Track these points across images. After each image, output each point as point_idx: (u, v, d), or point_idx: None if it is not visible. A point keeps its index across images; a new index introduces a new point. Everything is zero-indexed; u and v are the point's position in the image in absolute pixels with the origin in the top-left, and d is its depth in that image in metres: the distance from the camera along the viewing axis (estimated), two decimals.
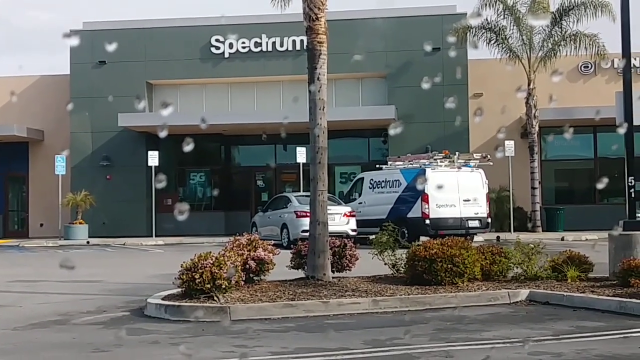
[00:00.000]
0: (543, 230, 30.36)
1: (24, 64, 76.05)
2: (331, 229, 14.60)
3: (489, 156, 25.18)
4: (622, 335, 9.39)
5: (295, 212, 24.96)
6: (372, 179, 26.93)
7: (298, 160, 30.23)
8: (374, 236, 14.79)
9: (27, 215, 36.01)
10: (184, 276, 11.57)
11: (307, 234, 14.10)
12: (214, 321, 10.70)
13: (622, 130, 13.69)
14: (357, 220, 25.28)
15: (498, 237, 26.74)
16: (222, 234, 29.92)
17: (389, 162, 27.07)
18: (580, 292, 11.98)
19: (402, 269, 13.74)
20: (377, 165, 27.84)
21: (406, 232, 23.51)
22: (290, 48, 33.08)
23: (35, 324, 10.81)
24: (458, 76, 31.67)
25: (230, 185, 35.56)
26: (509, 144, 29.34)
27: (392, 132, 28.49)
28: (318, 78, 13.69)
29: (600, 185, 25.54)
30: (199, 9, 61.14)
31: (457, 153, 25.30)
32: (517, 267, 13.61)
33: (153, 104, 33.52)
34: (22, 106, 33.92)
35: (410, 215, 24.49)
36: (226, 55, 33.51)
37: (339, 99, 32.76)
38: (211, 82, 34.28)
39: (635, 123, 13.10)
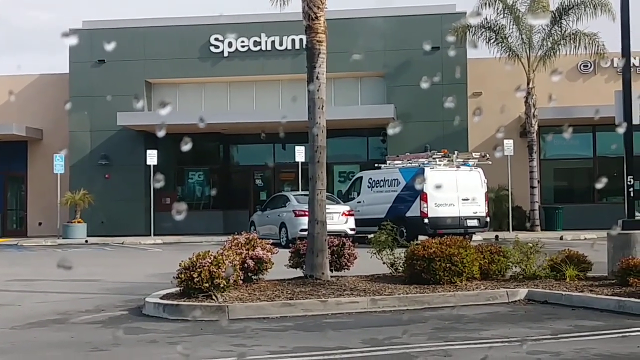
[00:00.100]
0: (542, 230, 30.32)
1: (23, 64, 75.97)
2: (330, 228, 14.61)
3: (487, 155, 25.16)
4: (620, 335, 9.39)
5: (293, 211, 24.93)
6: (370, 178, 26.92)
7: (297, 159, 30.23)
8: (372, 235, 14.79)
9: (25, 214, 35.98)
10: (182, 275, 11.57)
11: (306, 233, 14.08)
12: (212, 320, 10.69)
13: (621, 130, 13.68)
14: (355, 219, 25.23)
15: (497, 236, 26.77)
16: (220, 233, 29.86)
17: (388, 161, 27.07)
18: (579, 291, 11.98)
19: (401, 268, 13.74)
20: (376, 165, 27.86)
21: (405, 231, 23.44)
22: (289, 47, 33.06)
23: (34, 323, 10.81)
24: (457, 75, 31.65)
25: (229, 184, 35.55)
26: (508, 143, 29.29)
27: (391, 131, 28.42)
28: (317, 77, 13.67)
29: (599, 185, 25.47)
30: (198, 9, 61.12)
31: (456, 152, 25.31)
32: (515, 267, 13.61)
33: (152, 103, 33.47)
34: (21, 105, 33.91)
35: (409, 214, 24.48)
36: (225, 54, 33.48)
37: (338, 98, 32.74)
38: (210, 81, 34.25)
39: (634, 122, 13.12)
